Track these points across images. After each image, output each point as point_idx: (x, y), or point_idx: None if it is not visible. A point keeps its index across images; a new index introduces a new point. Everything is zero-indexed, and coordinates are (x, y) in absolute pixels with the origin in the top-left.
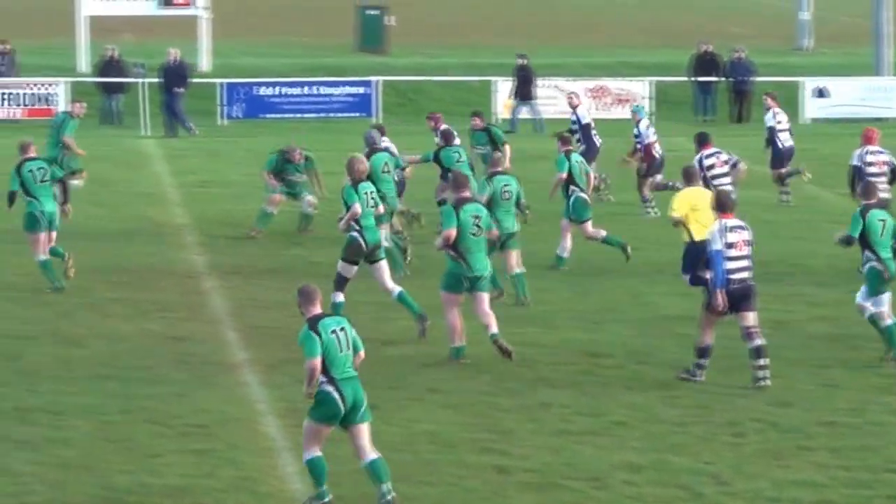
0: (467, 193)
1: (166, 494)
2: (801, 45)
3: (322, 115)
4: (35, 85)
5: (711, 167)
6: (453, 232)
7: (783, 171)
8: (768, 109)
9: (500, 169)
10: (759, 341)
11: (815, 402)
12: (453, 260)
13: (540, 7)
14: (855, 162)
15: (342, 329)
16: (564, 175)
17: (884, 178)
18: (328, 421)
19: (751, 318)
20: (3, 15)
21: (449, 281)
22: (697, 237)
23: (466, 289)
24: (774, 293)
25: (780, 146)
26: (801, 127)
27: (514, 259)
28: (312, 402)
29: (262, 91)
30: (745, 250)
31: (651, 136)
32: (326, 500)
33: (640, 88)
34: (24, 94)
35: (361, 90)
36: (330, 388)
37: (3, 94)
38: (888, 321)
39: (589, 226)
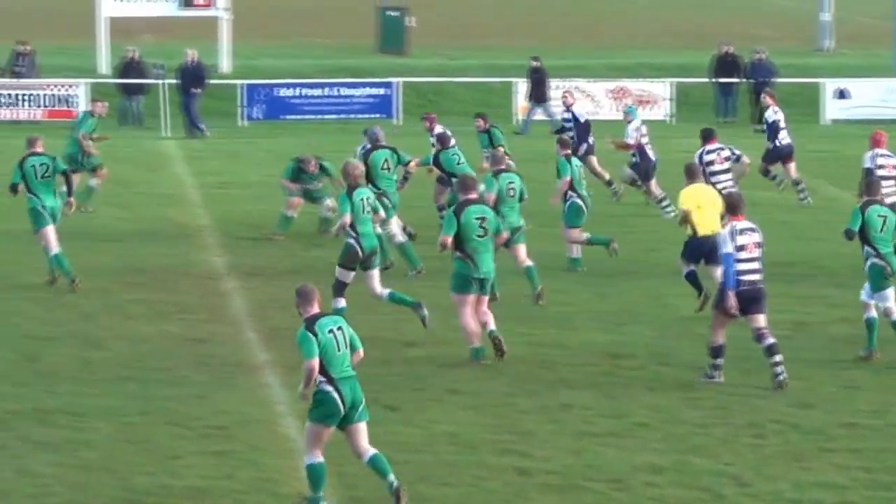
0: (473, 195)
1: (186, 496)
2: (822, 47)
3: (342, 116)
4: (55, 86)
5: (711, 163)
6: (448, 238)
7: (769, 168)
8: (767, 107)
9: (503, 166)
10: (770, 340)
11: (837, 403)
12: (460, 261)
13: (560, 8)
14: (867, 164)
15: (339, 328)
16: (568, 179)
17: (892, 182)
18: (328, 421)
19: (761, 320)
20: (24, 16)
21: (457, 282)
22: (701, 232)
23: (476, 289)
24: (795, 294)
25: (779, 144)
26: (821, 128)
27: (523, 252)
28: (311, 403)
29: (283, 92)
30: (756, 252)
31: (638, 136)
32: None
33: (661, 90)
34: (45, 95)
35: (382, 91)
36: (329, 388)
37: (24, 95)
38: (871, 314)
39: (577, 232)
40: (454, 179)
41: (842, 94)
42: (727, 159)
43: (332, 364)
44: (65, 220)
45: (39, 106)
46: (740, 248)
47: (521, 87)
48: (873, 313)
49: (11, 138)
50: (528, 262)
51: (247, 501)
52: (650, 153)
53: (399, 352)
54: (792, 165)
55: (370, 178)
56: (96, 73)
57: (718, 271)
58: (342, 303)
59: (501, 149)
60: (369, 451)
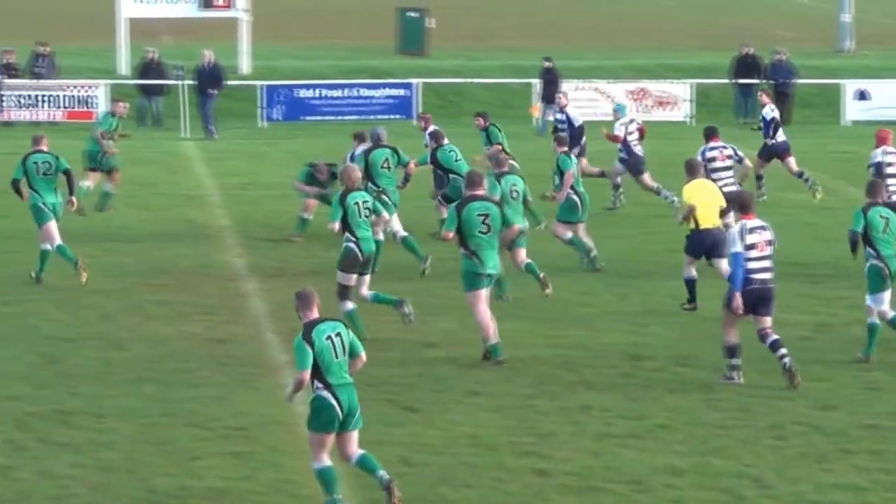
0: (479, 191)
1: (207, 497)
2: (843, 48)
3: (362, 117)
4: (75, 87)
5: (713, 160)
6: (450, 234)
7: (798, 170)
8: (764, 105)
9: (506, 168)
10: (773, 336)
11: (858, 405)
12: (466, 258)
13: (580, 9)
14: (878, 159)
15: (337, 334)
16: (573, 171)
17: None
18: (328, 428)
19: (767, 321)
20: (44, 18)
21: (467, 280)
22: (703, 225)
23: (487, 284)
24: (817, 296)
25: (775, 141)
26: (842, 129)
27: (522, 255)
28: (309, 411)
29: (303, 93)
30: (767, 251)
31: (625, 132)
32: None
33: (681, 91)
34: (65, 96)
35: (402, 92)
36: (326, 394)
37: (44, 96)
38: (874, 319)
39: (565, 227)
40: (451, 175)
41: (862, 96)
42: (729, 157)
43: (329, 370)
44: (85, 221)
45: (59, 107)
46: (750, 247)
47: (539, 87)
48: (876, 319)
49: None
50: (527, 260)
51: (266, 503)
52: (637, 149)
53: (419, 353)
54: (791, 160)
55: (370, 177)
56: (116, 74)
57: (723, 263)
58: (349, 306)
59: (499, 147)
60: (357, 453)
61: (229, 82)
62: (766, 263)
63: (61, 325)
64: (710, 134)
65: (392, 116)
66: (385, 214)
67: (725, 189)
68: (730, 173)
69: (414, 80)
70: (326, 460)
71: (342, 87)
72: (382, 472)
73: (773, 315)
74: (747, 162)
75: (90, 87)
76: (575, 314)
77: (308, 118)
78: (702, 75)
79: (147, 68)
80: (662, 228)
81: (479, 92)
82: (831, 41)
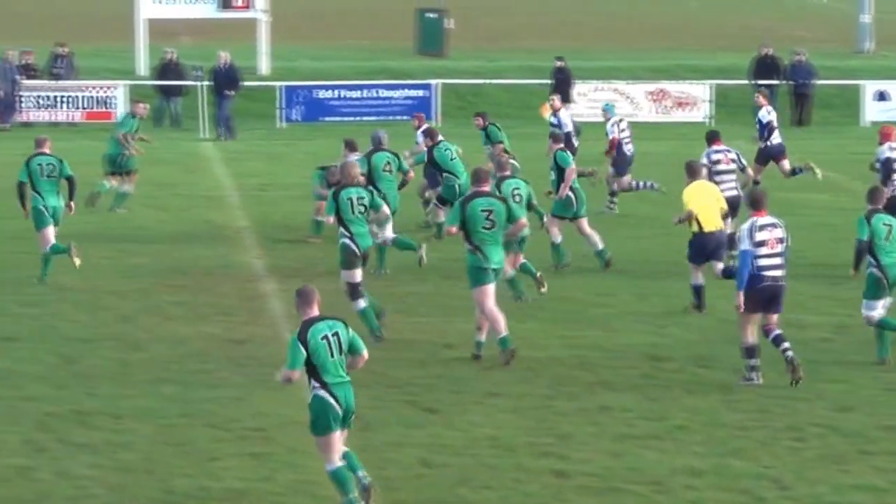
0: (484, 188)
1: (225, 498)
2: (862, 48)
3: (381, 117)
4: (94, 88)
5: (717, 163)
6: (453, 229)
7: (791, 167)
8: (760, 107)
9: (508, 173)
10: (777, 331)
11: (877, 406)
12: (471, 253)
13: (599, 10)
14: (885, 155)
15: (335, 334)
16: (574, 167)
17: None
18: (331, 428)
19: (774, 318)
20: (63, 18)
21: (473, 276)
22: (706, 228)
23: (493, 279)
24: (837, 297)
25: (770, 143)
26: (861, 130)
27: (519, 259)
28: (309, 417)
29: (322, 94)
30: (778, 248)
31: (617, 132)
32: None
33: (701, 92)
34: (83, 96)
35: (421, 93)
36: (323, 393)
37: (63, 96)
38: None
39: (557, 223)
40: (445, 175)
41: (882, 96)
42: (733, 161)
43: (324, 370)
44: (103, 222)
45: (78, 108)
46: (760, 244)
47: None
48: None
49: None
50: (511, 272)
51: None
52: (626, 149)
53: (438, 354)
54: (785, 163)
55: (371, 180)
56: (135, 74)
57: (719, 265)
58: (362, 304)
59: (501, 146)
60: (341, 450)
61: (248, 83)
62: (777, 261)
63: (80, 326)
64: (712, 137)
65: (411, 117)
66: (385, 209)
67: (727, 193)
68: (732, 177)
69: (433, 81)
70: (338, 461)
71: (361, 87)
72: (362, 473)
73: (782, 312)
74: (749, 171)
75: (109, 88)
76: (593, 315)
77: (327, 119)
78: (721, 76)
79: (165, 69)
80: (682, 230)
81: (498, 93)
82: (851, 42)
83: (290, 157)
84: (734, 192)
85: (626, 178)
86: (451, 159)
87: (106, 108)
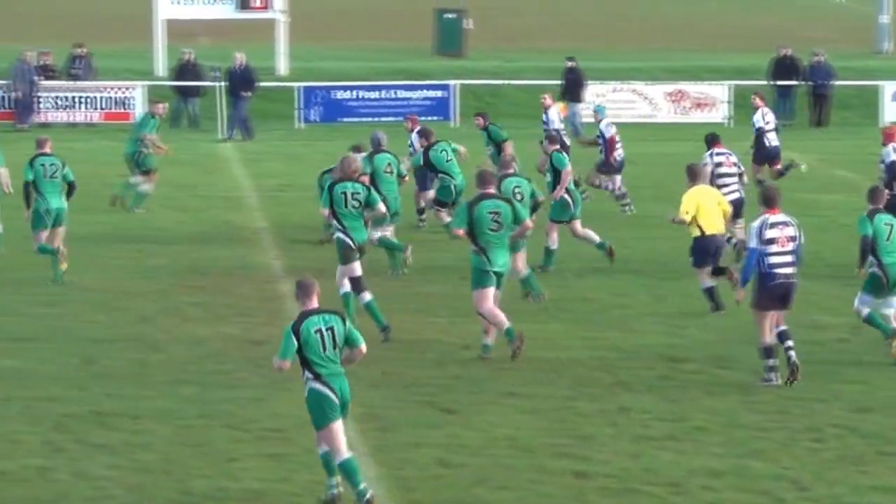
0: (489, 189)
1: (243, 499)
2: (881, 49)
3: (400, 118)
4: (112, 89)
5: (720, 165)
6: (460, 231)
7: (779, 167)
8: (757, 109)
9: (511, 171)
10: (782, 326)
11: (895, 407)
12: (476, 255)
13: (618, 11)
14: (892, 157)
15: (329, 328)
16: (570, 169)
17: None
18: (332, 417)
19: (783, 315)
20: (81, 19)
21: (476, 277)
22: (708, 232)
23: (494, 282)
24: (853, 298)
25: (767, 145)
26: (880, 131)
27: (522, 261)
28: (309, 412)
29: (340, 95)
30: (789, 246)
31: (615, 132)
32: (367, 497)
33: (719, 92)
34: (102, 97)
35: (439, 94)
36: (318, 385)
37: (81, 97)
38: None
39: (557, 228)
40: (441, 175)
41: None
42: (735, 164)
43: (318, 363)
44: (122, 223)
45: (96, 108)
46: (770, 242)
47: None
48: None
49: (69, 141)
50: (526, 271)
51: None
52: (616, 154)
53: (456, 354)
54: (778, 166)
55: (373, 182)
56: (153, 75)
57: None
58: (367, 297)
59: (509, 143)
60: (344, 453)
61: (267, 84)
62: (789, 258)
63: (98, 327)
64: (713, 140)
65: (430, 118)
66: (381, 207)
67: (731, 196)
68: (734, 179)
69: (451, 82)
70: (346, 452)
71: (379, 88)
72: (363, 487)
73: (791, 310)
74: (745, 178)
75: (127, 89)
76: (612, 316)
77: (345, 120)
78: (740, 77)
79: (183, 70)
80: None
81: (516, 93)
82: (870, 42)
83: (309, 158)
84: (737, 195)
85: (601, 178)
86: (447, 160)
87: (124, 108)
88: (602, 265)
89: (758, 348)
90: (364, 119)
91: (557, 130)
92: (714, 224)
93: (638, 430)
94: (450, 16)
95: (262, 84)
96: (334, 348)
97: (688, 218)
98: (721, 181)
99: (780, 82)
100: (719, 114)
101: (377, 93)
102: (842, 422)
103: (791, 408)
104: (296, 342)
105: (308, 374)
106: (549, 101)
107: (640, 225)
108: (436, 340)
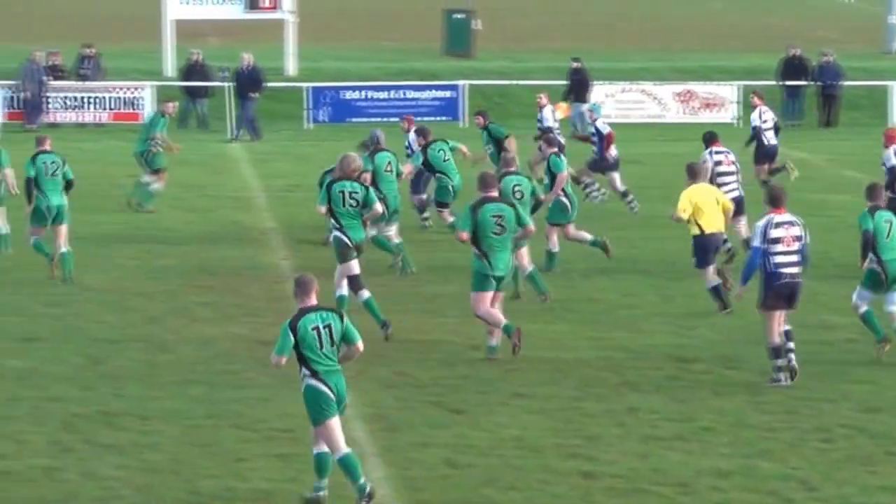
0: (492, 193)
1: (251, 499)
2: (891, 49)
3: None
4: (121, 89)
5: (719, 163)
6: (464, 234)
7: (775, 165)
8: (755, 108)
9: (512, 169)
10: (786, 326)
11: None
12: (477, 259)
13: (626, 11)
14: (893, 161)
15: (326, 326)
16: (565, 174)
17: None
18: (328, 413)
19: (786, 315)
20: (90, 19)
21: (476, 280)
22: (707, 230)
23: (494, 287)
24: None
25: (766, 143)
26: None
27: (525, 258)
28: (305, 407)
29: (349, 95)
30: (794, 246)
31: (608, 129)
32: (368, 490)
33: (728, 93)
34: (111, 97)
35: (448, 94)
36: (314, 382)
37: (90, 97)
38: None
39: (556, 231)
40: (438, 175)
41: None
42: (733, 163)
43: (314, 360)
44: (131, 223)
45: (105, 108)
46: (776, 241)
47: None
48: (864, 308)
49: (78, 141)
50: (531, 268)
51: None
52: (608, 153)
53: (464, 354)
54: (774, 166)
55: (373, 181)
56: (162, 75)
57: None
58: (365, 294)
59: (511, 138)
60: (343, 449)
61: (275, 84)
62: (794, 258)
63: (106, 327)
64: (710, 139)
65: (438, 118)
66: (378, 207)
67: (731, 195)
68: (734, 178)
69: (460, 82)
70: (344, 447)
71: (388, 88)
72: (363, 482)
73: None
74: (740, 177)
75: (136, 89)
76: (620, 316)
77: (354, 120)
78: (749, 77)
79: (191, 70)
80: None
81: (525, 94)
82: (879, 43)
83: (318, 158)
84: (737, 193)
85: (588, 175)
86: (445, 160)
87: (133, 109)
88: (609, 265)
89: (767, 348)
90: (373, 119)
91: (550, 128)
92: (713, 222)
93: (646, 430)
94: (458, 16)
95: (271, 84)
96: (331, 345)
97: (684, 216)
98: (720, 179)
99: (788, 82)
100: (728, 114)
101: (386, 93)
102: (850, 422)
103: (799, 408)
104: (293, 339)
105: (305, 371)
106: (544, 100)
107: (648, 225)
108: (444, 341)
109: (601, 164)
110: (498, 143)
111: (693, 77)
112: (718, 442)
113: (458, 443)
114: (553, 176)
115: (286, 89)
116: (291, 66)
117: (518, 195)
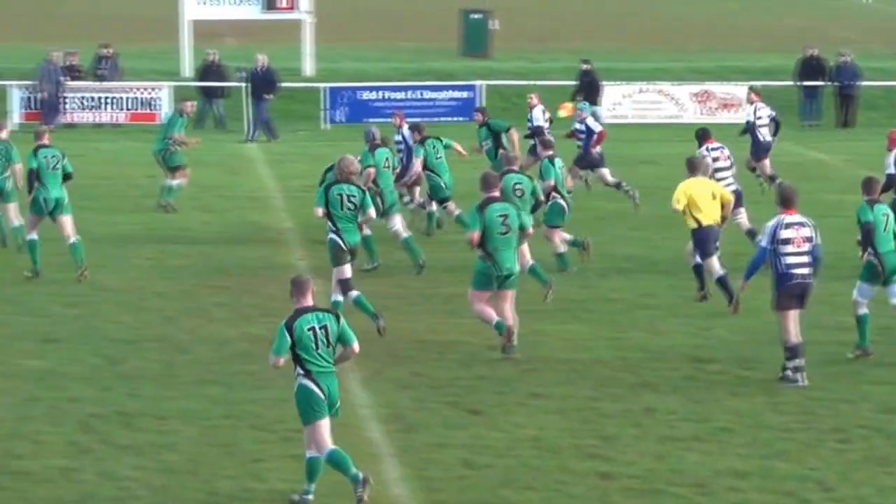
0: (495, 193)
1: (269, 500)
2: None
3: (426, 119)
4: (138, 89)
5: (716, 160)
6: (476, 234)
7: (763, 169)
8: (751, 103)
9: (514, 167)
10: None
11: None
12: (482, 260)
13: (644, 11)
14: (892, 170)
15: (322, 327)
16: (552, 182)
17: None
18: (319, 414)
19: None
20: (108, 20)
21: (478, 279)
22: (704, 223)
23: (496, 287)
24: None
25: (761, 139)
26: None
27: (525, 255)
28: (297, 407)
29: (366, 95)
30: (805, 247)
31: (599, 127)
32: (362, 477)
33: (745, 93)
34: (128, 98)
35: (465, 94)
36: (307, 382)
37: (107, 98)
38: (862, 311)
39: (555, 232)
40: (427, 172)
41: None
42: (728, 158)
43: (309, 360)
44: (147, 223)
45: (122, 109)
46: (786, 242)
47: (606, 90)
48: (864, 310)
49: (95, 141)
50: (531, 262)
51: None
52: (595, 150)
53: (481, 355)
54: (765, 162)
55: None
56: (179, 76)
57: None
58: (354, 293)
59: (512, 130)
60: (329, 446)
61: (292, 84)
62: (805, 259)
63: (123, 328)
64: (703, 135)
65: (455, 119)
66: (371, 212)
67: (728, 189)
68: (730, 172)
69: (477, 83)
70: (330, 444)
71: (405, 89)
72: (355, 470)
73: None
74: (734, 170)
75: (153, 90)
76: (637, 316)
77: (371, 120)
78: (766, 77)
79: (207, 70)
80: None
81: (542, 94)
82: None
83: (334, 159)
84: (734, 187)
85: (573, 176)
86: (437, 158)
87: (150, 109)
88: (626, 266)
89: (783, 348)
90: (389, 120)
91: (540, 128)
92: (710, 215)
93: (663, 430)
94: (476, 16)
95: (289, 85)
96: (327, 346)
97: (679, 207)
98: (717, 175)
99: (806, 83)
100: (746, 114)
101: (403, 93)
102: (868, 423)
103: (816, 409)
104: (289, 339)
105: (299, 370)
106: (535, 100)
107: (666, 225)
108: (460, 341)
109: (586, 160)
110: (497, 139)
111: (710, 77)
112: (736, 442)
113: (475, 443)
114: (544, 180)
115: (303, 90)
116: (309, 66)
117: (518, 193)
